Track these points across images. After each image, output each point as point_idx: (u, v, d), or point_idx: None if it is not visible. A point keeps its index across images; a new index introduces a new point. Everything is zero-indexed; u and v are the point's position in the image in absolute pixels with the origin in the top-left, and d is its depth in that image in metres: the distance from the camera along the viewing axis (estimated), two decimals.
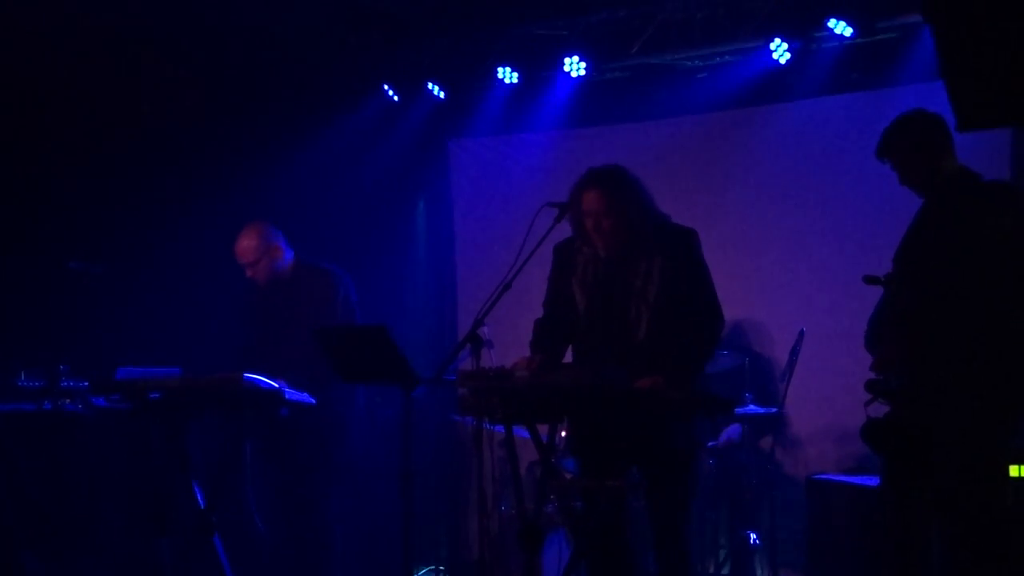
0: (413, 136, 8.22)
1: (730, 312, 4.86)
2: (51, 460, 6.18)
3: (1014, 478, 4.35)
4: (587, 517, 4.75)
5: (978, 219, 4.30)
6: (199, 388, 5.47)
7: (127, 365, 5.61)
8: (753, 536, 6.43)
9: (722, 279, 4.79)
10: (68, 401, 6.13)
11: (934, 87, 3.53)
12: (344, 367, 5.40)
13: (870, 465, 5.66)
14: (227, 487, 5.75)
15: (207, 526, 5.47)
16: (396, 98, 8.09)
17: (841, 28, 6.61)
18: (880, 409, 4.50)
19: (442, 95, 8.00)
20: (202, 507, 5.51)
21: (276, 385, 5.40)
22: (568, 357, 4.91)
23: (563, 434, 6.02)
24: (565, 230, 4.77)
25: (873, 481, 4.93)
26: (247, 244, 6.14)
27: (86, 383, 6.06)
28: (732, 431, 6.57)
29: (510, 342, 6.34)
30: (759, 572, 6.43)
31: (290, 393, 5.46)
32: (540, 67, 7.64)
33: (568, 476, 6.00)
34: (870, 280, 4.54)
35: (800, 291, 6.95)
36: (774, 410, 6.39)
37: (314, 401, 5.61)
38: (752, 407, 6.35)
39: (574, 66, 7.41)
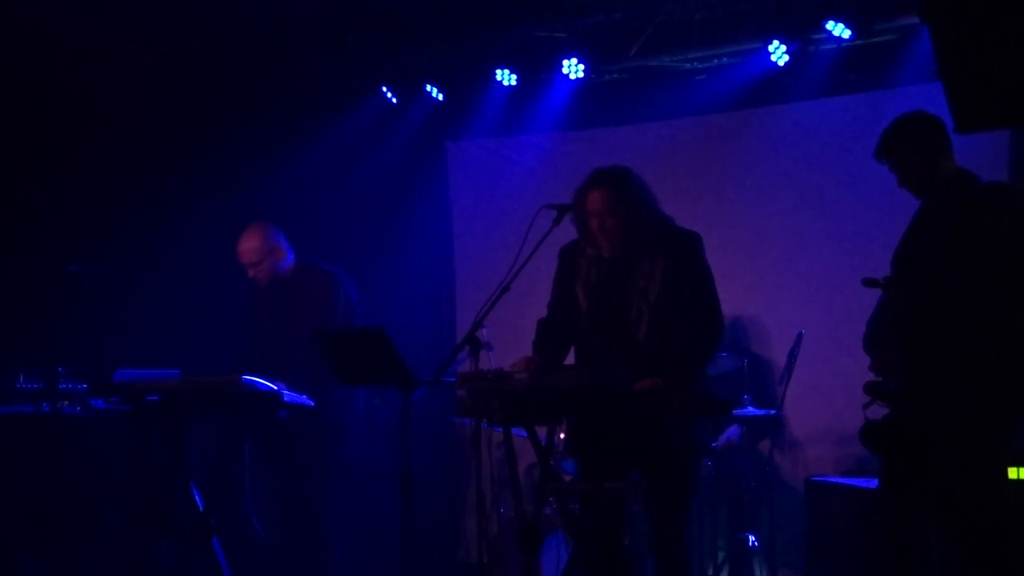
0: (411, 138, 8.22)
1: (729, 314, 4.87)
2: (50, 462, 6.17)
3: (1012, 480, 4.35)
4: (585, 519, 4.76)
5: (976, 221, 4.31)
6: (198, 390, 5.47)
7: (126, 367, 5.61)
8: (752, 538, 6.43)
9: (720, 280, 4.78)
10: (67, 403, 6.12)
11: (932, 88, 3.53)
12: (343, 369, 5.40)
13: (869, 467, 5.66)
14: (226, 489, 5.75)
15: (206, 528, 5.47)
16: (394, 99, 8.09)
17: (839, 30, 6.61)
18: (879, 411, 4.50)
19: (440, 97, 8.00)
20: (201, 509, 5.51)
21: (275, 387, 5.40)
22: (570, 357, 4.91)
23: (562, 436, 6.02)
24: (564, 232, 4.77)
25: (872, 483, 4.92)
26: (250, 244, 6.14)
27: (85, 385, 6.05)
28: (731, 432, 6.57)
29: (509, 344, 6.35)
30: (758, 574, 6.43)
31: (289, 395, 5.46)
32: (538, 69, 7.64)
33: (567, 478, 6.00)
34: (869, 283, 4.55)
35: (799, 293, 6.95)
36: (773, 412, 6.38)
37: (313, 403, 5.61)
38: (751, 409, 6.35)
39: (572, 68, 7.41)
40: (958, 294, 4.26)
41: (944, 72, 2.59)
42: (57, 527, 6.17)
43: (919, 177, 4.43)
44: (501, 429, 4.67)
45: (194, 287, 7.20)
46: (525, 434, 4.70)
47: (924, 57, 6.35)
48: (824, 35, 6.73)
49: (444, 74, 7.95)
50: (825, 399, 6.66)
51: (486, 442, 5.43)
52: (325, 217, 7.61)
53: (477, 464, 4.77)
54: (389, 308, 7.00)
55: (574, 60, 7.39)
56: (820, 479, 6.18)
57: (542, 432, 4.82)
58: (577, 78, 7.47)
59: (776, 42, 6.84)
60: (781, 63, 6.92)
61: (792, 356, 6.24)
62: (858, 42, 6.71)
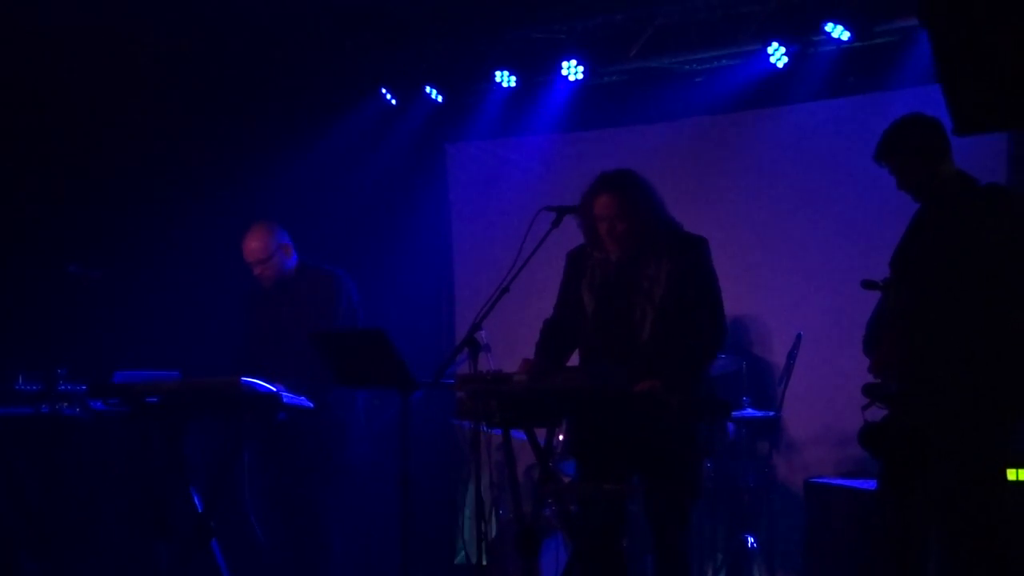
0: (411, 139, 8.22)
1: (728, 315, 4.86)
2: (49, 464, 6.18)
3: (1012, 482, 4.35)
4: (583, 521, 4.76)
5: (975, 222, 4.31)
6: (197, 392, 5.48)
7: (125, 368, 5.61)
8: (751, 539, 6.43)
9: (720, 281, 4.79)
10: (66, 405, 6.13)
11: (931, 90, 3.53)
12: (342, 371, 5.40)
13: (868, 468, 5.65)
14: (225, 491, 5.75)
15: (205, 530, 5.47)
16: (394, 101, 8.09)
17: (838, 32, 6.61)
18: (878, 412, 4.50)
19: (440, 98, 8.00)
20: (200, 511, 5.51)
21: (274, 389, 5.40)
22: (574, 358, 4.91)
23: (560, 437, 6.02)
24: (563, 233, 4.77)
25: (871, 485, 4.92)
26: (258, 243, 6.13)
27: (84, 387, 6.05)
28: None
29: (508, 345, 6.36)
30: None
31: (288, 397, 5.46)
32: (538, 71, 7.64)
33: (566, 480, 6.00)
34: (868, 285, 4.55)
35: (798, 294, 6.95)
36: (772, 413, 6.38)
37: (312, 405, 5.61)
38: (750, 410, 6.35)
39: (572, 70, 7.41)
40: (957, 296, 4.26)
41: (943, 74, 2.59)
42: (56, 528, 6.18)
43: (919, 180, 4.43)
44: (500, 431, 4.68)
45: (193, 288, 7.20)
46: (524, 436, 4.70)
47: (923, 59, 6.35)
48: (823, 37, 6.73)
49: (443, 76, 7.95)
50: (824, 400, 6.66)
51: (485, 444, 5.43)
52: (324, 218, 7.61)
53: (476, 466, 4.78)
54: (388, 309, 7.00)
55: (573, 62, 7.39)
56: (819, 480, 6.17)
57: (541, 434, 4.82)
58: (576, 80, 7.47)
59: (775, 44, 6.84)
60: (780, 65, 6.92)
61: (791, 357, 6.24)
62: (857, 44, 6.71)
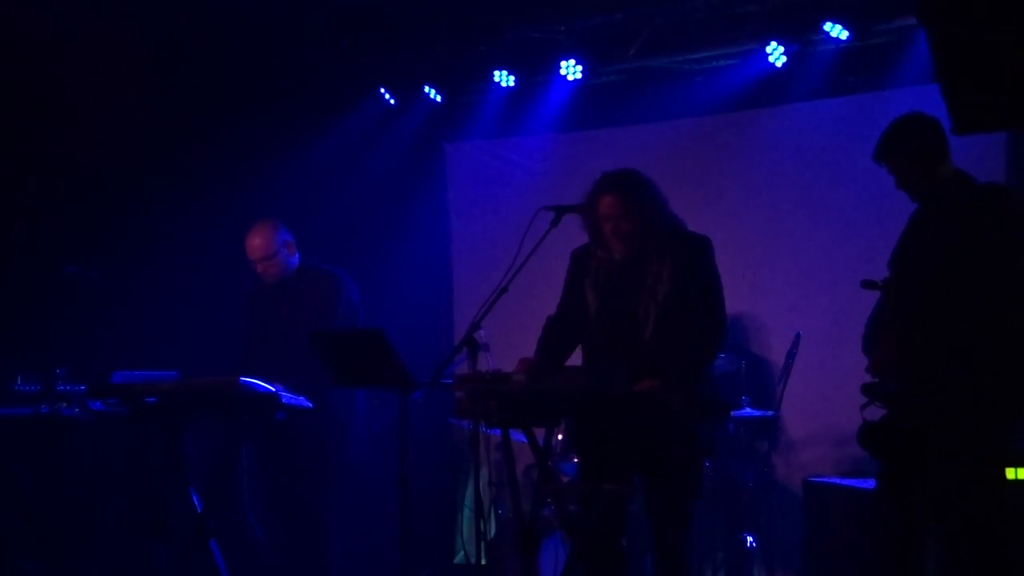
0: (409, 139, 8.22)
1: (727, 314, 4.86)
2: (48, 464, 6.18)
3: (1011, 481, 4.35)
4: (582, 520, 4.76)
5: (974, 222, 4.31)
6: (196, 392, 5.48)
7: (124, 369, 5.61)
8: (750, 539, 6.43)
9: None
10: (65, 405, 6.12)
11: (930, 90, 3.52)
12: (341, 371, 5.40)
13: (867, 468, 5.65)
14: (224, 491, 5.75)
15: (204, 530, 5.46)
16: (392, 101, 8.09)
17: (837, 31, 6.61)
18: (877, 412, 4.50)
19: (438, 98, 8.00)
20: (199, 511, 5.51)
21: (273, 389, 5.40)
22: (577, 356, 4.90)
23: (559, 437, 6.02)
24: (562, 233, 4.77)
25: (870, 484, 4.92)
26: (261, 240, 6.14)
27: (83, 387, 6.05)
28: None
29: (507, 345, 6.35)
30: (756, 575, 6.42)
31: (286, 397, 5.46)
32: (536, 70, 7.64)
33: (565, 479, 6.00)
34: (867, 285, 4.55)
35: (797, 294, 6.95)
36: (771, 413, 6.38)
37: (311, 405, 5.60)
38: (749, 410, 6.35)
39: (570, 69, 7.41)
40: (956, 296, 4.26)
41: (942, 74, 2.59)
42: (55, 529, 6.18)
43: (917, 180, 4.43)
44: (499, 431, 4.67)
45: (192, 289, 7.19)
46: (523, 436, 4.70)
47: (922, 58, 6.35)
48: (822, 36, 6.73)
49: (442, 75, 7.95)
50: (823, 400, 6.66)
51: (484, 443, 5.44)
52: (323, 218, 7.60)
53: (475, 465, 4.78)
54: (387, 309, 6.99)
55: (572, 61, 7.39)
56: (818, 480, 6.18)
57: (540, 434, 4.82)
58: (575, 79, 7.47)
59: (774, 43, 6.85)
60: (779, 64, 6.92)
61: (790, 357, 6.24)
62: (856, 43, 6.71)
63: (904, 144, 4.44)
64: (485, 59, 7.72)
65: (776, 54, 6.87)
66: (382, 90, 8.04)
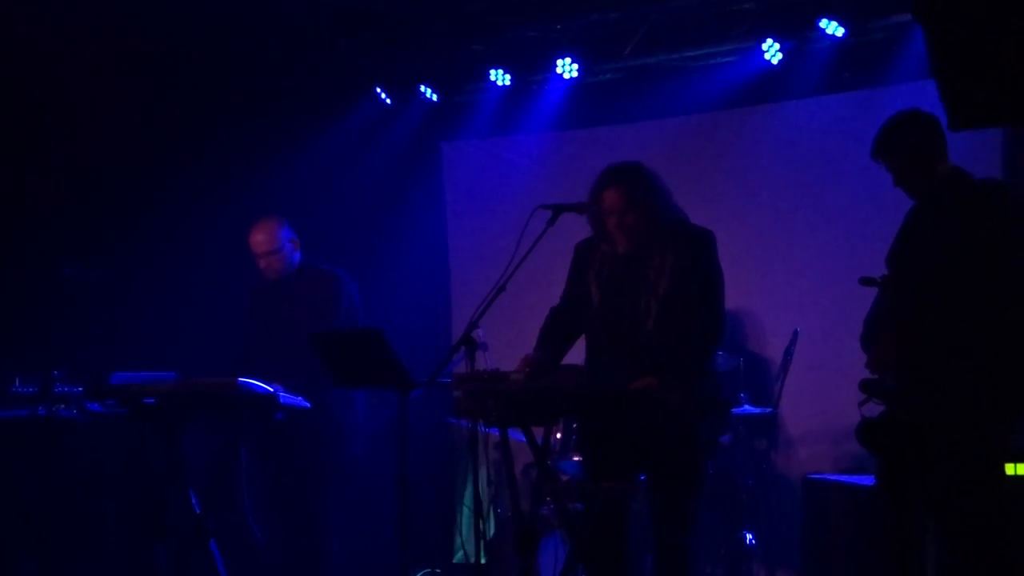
0: (406, 138, 8.22)
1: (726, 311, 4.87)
2: (46, 466, 6.17)
3: (1011, 476, 4.35)
4: (585, 519, 4.76)
5: (972, 218, 4.31)
6: (194, 392, 5.47)
7: (122, 370, 5.60)
8: (749, 536, 6.43)
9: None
10: (63, 406, 6.12)
11: (926, 86, 3.53)
12: (340, 371, 5.40)
13: (866, 465, 5.66)
14: (223, 491, 5.75)
15: (203, 530, 5.47)
16: (389, 101, 8.09)
17: (833, 28, 6.62)
18: (875, 409, 4.50)
19: (435, 97, 8.00)
20: (198, 511, 5.51)
21: (271, 389, 5.39)
22: (579, 348, 4.90)
23: (558, 436, 6.02)
24: (559, 232, 4.77)
25: (869, 481, 4.93)
26: (266, 235, 6.14)
27: (81, 388, 6.05)
28: None
29: (505, 344, 6.35)
30: (756, 572, 6.42)
31: (285, 397, 5.46)
32: (533, 69, 7.65)
33: (564, 478, 6.00)
34: (866, 282, 4.55)
35: (794, 291, 6.95)
36: (769, 410, 6.38)
37: (309, 405, 5.60)
38: (747, 407, 6.35)
39: (567, 68, 7.42)
40: (954, 292, 4.26)
41: (938, 70, 2.59)
42: (54, 530, 6.17)
43: (915, 177, 4.43)
44: (497, 430, 4.67)
45: (190, 289, 7.19)
46: (522, 435, 4.70)
47: (918, 55, 6.35)
48: (818, 33, 6.73)
49: (438, 75, 7.95)
50: (822, 397, 6.66)
51: (483, 443, 5.43)
52: (320, 218, 7.60)
53: (474, 464, 4.77)
54: (384, 309, 6.99)
55: (568, 60, 7.39)
56: (817, 477, 6.18)
57: (539, 432, 4.81)
58: (571, 78, 7.47)
59: (770, 40, 6.85)
60: (775, 61, 6.92)
61: (788, 354, 6.23)
62: (852, 40, 6.71)
63: (902, 141, 4.43)
64: (481, 58, 7.72)
65: (772, 51, 6.88)
66: (378, 90, 8.04)
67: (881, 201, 5.28)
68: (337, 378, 5.45)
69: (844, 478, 6.01)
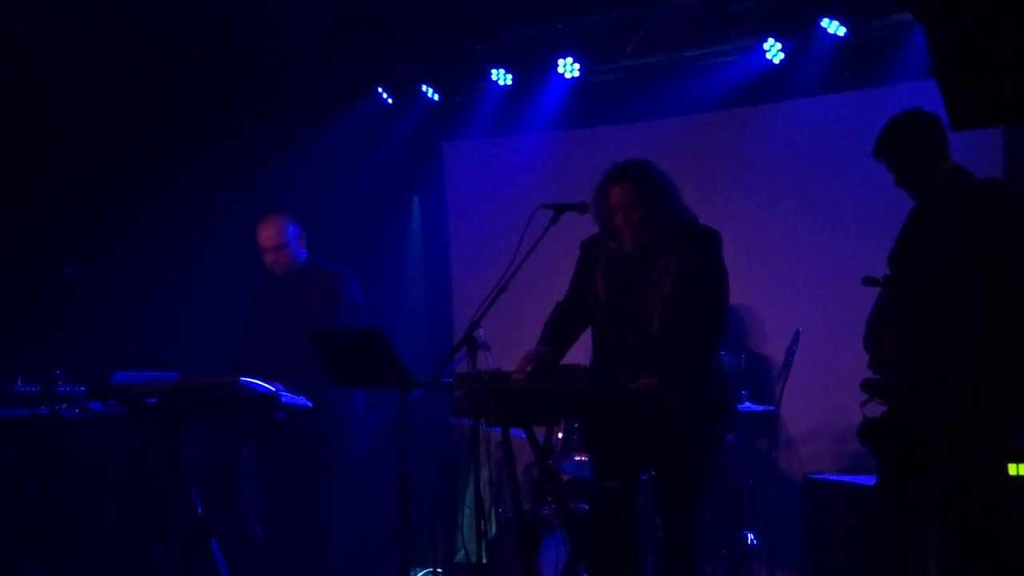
0: (407, 138, 8.22)
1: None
2: (48, 465, 6.17)
3: (1012, 477, 4.35)
4: (589, 519, 4.76)
5: (974, 218, 4.30)
6: (195, 392, 5.47)
7: (123, 369, 5.61)
8: (750, 536, 6.43)
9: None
10: (64, 406, 6.12)
11: (927, 85, 3.53)
12: (340, 371, 5.40)
13: (867, 464, 5.66)
14: (224, 491, 5.75)
15: (204, 531, 5.46)
16: (390, 100, 8.09)
17: (834, 27, 6.62)
18: (877, 409, 4.50)
19: (436, 97, 8.00)
20: (199, 511, 5.50)
21: (272, 388, 5.39)
22: (582, 345, 4.90)
23: (559, 436, 6.02)
24: (560, 231, 4.77)
25: (870, 480, 4.92)
26: (274, 230, 6.15)
27: (83, 388, 6.05)
28: None
29: (506, 344, 6.35)
30: (756, 572, 6.42)
31: (286, 397, 5.46)
32: (534, 68, 7.64)
33: (565, 478, 6.00)
34: (869, 282, 4.54)
35: (796, 290, 6.95)
36: (771, 409, 6.38)
37: (311, 405, 5.60)
38: (749, 406, 6.35)
39: (568, 67, 7.42)
40: (956, 292, 4.26)
41: (939, 70, 2.59)
42: (55, 529, 6.17)
43: (917, 177, 4.43)
44: (499, 429, 4.67)
45: (191, 289, 7.19)
46: (523, 434, 4.70)
47: (919, 54, 6.35)
48: (819, 33, 6.73)
49: (440, 74, 7.95)
50: (823, 396, 6.66)
51: (484, 442, 5.43)
52: (321, 218, 7.58)
53: (475, 464, 4.77)
54: (386, 309, 7.00)
55: (569, 59, 7.39)
56: (818, 476, 6.17)
57: (540, 432, 4.82)
58: (573, 77, 7.47)
59: (771, 40, 6.85)
60: (776, 61, 6.92)
61: (790, 353, 6.24)
62: (853, 39, 6.71)
63: (903, 141, 4.43)
64: (482, 58, 7.72)
65: (773, 51, 6.88)
66: (379, 89, 8.04)
67: (883, 200, 5.28)
68: (337, 378, 5.45)
69: (845, 478, 6.01)
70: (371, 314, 6.33)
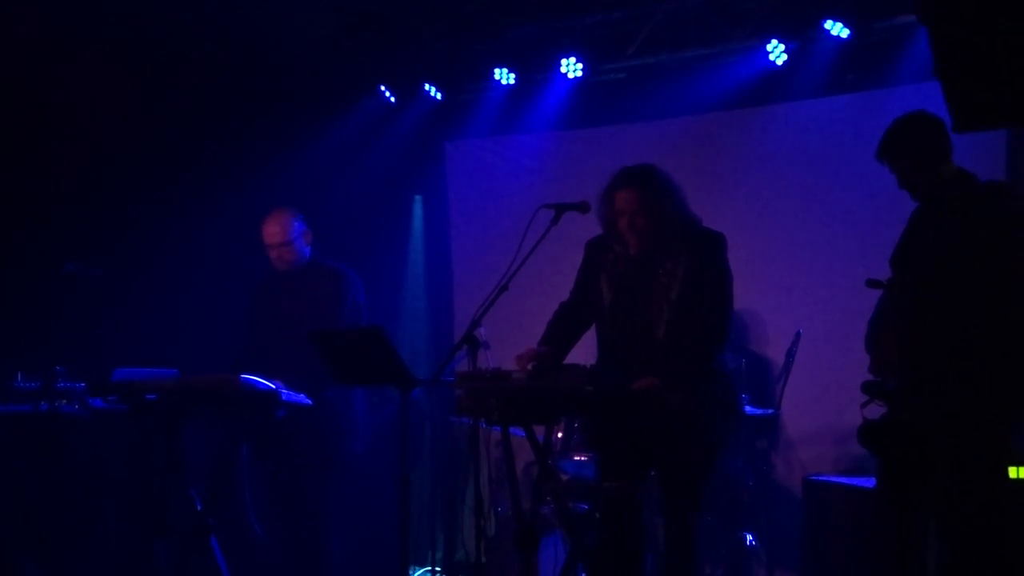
0: (410, 137, 8.21)
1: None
2: (48, 462, 6.17)
3: (1013, 480, 4.35)
4: (588, 518, 4.77)
5: (976, 220, 4.30)
6: (195, 389, 5.48)
7: (124, 366, 5.61)
8: (750, 538, 6.43)
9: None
10: (65, 402, 6.12)
11: (930, 87, 3.52)
12: (340, 369, 5.40)
13: (867, 466, 5.66)
14: (224, 488, 5.75)
15: (204, 528, 5.47)
16: (392, 99, 8.08)
17: (837, 29, 6.61)
18: (877, 410, 4.50)
19: (439, 96, 8.00)
20: (199, 508, 5.51)
21: (273, 386, 5.40)
22: (585, 345, 4.90)
23: (559, 435, 6.02)
24: (562, 231, 4.77)
25: (870, 482, 4.92)
26: (280, 226, 6.15)
27: (83, 384, 6.06)
28: None
29: (507, 343, 6.35)
30: (756, 573, 6.42)
31: (286, 394, 5.46)
32: (537, 68, 7.64)
33: (564, 477, 6.00)
34: (872, 284, 4.54)
35: (797, 292, 6.94)
36: (771, 411, 6.38)
37: (311, 402, 5.60)
38: (749, 408, 6.35)
39: (570, 67, 7.41)
40: (958, 294, 4.26)
41: (942, 72, 2.59)
42: (55, 526, 6.17)
43: (920, 179, 4.43)
44: (499, 428, 4.68)
45: (192, 287, 7.20)
46: (523, 433, 4.70)
47: (922, 56, 6.34)
48: (822, 34, 6.73)
49: (442, 73, 7.95)
50: (823, 398, 6.65)
51: (484, 441, 5.43)
52: (323, 217, 7.57)
53: (475, 463, 4.77)
54: (387, 307, 7.00)
55: (572, 59, 7.39)
56: (818, 478, 6.17)
57: (540, 431, 4.82)
58: (576, 77, 7.46)
59: (774, 41, 6.84)
60: (779, 62, 6.91)
61: (790, 355, 6.23)
62: (856, 41, 6.71)
63: (907, 144, 4.43)
64: (485, 57, 7.72)
65: (776, 52, 6.87)
66: (382, 88, 8.03)
67: (885, 202, 5.29)
68: (338, 376, 5.45)
69: (845, 479, 6.01)
70: (372, 313, 6.33)
